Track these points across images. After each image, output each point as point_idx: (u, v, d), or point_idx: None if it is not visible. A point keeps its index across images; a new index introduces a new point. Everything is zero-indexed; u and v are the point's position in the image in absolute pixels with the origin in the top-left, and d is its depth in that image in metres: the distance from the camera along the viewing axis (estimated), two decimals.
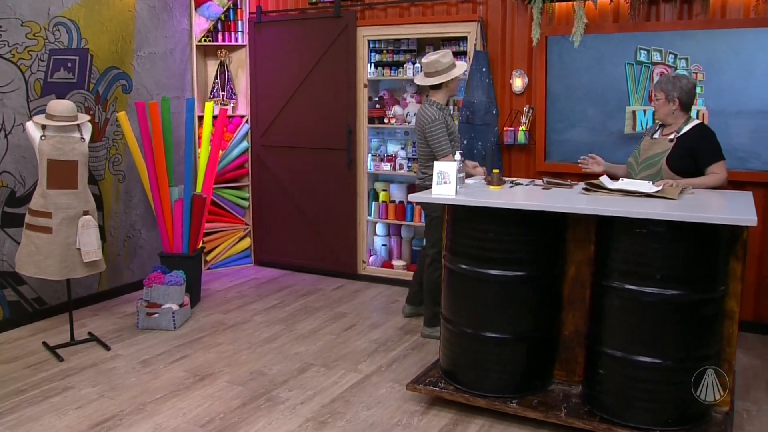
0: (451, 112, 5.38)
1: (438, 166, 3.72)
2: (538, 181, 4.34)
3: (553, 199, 3.67)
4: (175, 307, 5.24)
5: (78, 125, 4.72)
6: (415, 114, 6.27)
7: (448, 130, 4.80)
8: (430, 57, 4.81)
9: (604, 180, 3.89)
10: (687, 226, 3.17)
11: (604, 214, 3.35)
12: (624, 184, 3.80)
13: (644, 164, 4.25)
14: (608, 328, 3.45)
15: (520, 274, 3.60)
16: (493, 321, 3.67)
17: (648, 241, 3.27)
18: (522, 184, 4.24)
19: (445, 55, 4.78)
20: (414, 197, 3.88)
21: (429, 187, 4.60)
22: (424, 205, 5.00)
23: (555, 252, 3.71)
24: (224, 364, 4.57)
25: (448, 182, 3.66)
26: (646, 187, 3.70)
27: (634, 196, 3.64)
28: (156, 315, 5.20)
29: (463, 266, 3.71)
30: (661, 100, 4.19)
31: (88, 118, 4.82)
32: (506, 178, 4.40)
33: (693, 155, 4.10)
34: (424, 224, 5.24)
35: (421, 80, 4.91)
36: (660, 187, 3.68)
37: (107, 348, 4.81)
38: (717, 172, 4.09)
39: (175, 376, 4.36)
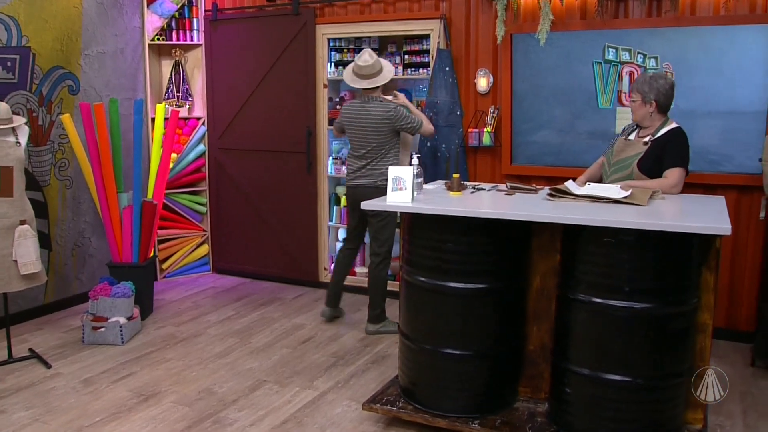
0: None
1: (393, 171, 3.47)
2: (502, 186, 4.11)
3: (516, 206, 3.45)
4: (122, 320, 4.95)
5: (13, 128, 4.42)
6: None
7: None
8: (365, 60, 4.90)
9: (570, 185, 3.67)
10: (657, 235, 2.96)
11: (569, 222, 3.13)
12: (591, 189, 3.59)
13: (616, 167, 4.05)
14: (575, 344, 3.23)
15: (481, 286, 3.37)
16: (453, 337, 3.44)
17: (616, 251, 3.06)
18: (484, 189, 4.01)
19: (372, 55, 4.93)
20: (368, 205, 3.62)
21: (381, 188, 4.79)
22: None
23: (518, 262, 3.48)
24: (172, 381, 4.30)
25: (404, 188, 3.42)
26: (614, 192, 3.50)
27: (602, 202, 3.43)
28: (102, 329, 4.91)
29: (421, 278, 3.47)
30: (637, 102, 3.98)
31: (24, 120, 4.52)
32: (468, 183, 4.17)
33: (661, 157, 3.91)
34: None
35: (377, 82, 4.95)
36: (628, 192, 3.47)
37: (48, 366, 4.51)
38: (667, 176, 3.86)
39: (117, 397, 4.08)
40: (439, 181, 4.40)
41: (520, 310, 3.55)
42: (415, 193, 3.60)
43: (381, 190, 4.55)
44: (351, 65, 5.02)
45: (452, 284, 3.38)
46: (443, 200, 3.60)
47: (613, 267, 3.07)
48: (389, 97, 5.11)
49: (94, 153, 5.21)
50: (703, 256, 3.15)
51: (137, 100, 5.51)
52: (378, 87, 4.97)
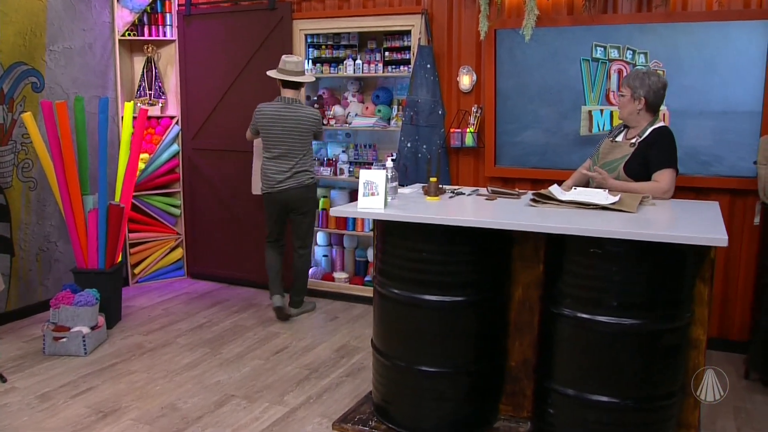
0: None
1: (365, 175, 3.23)
2: (483, 190, 3.88)
3: (496, 213, 3.23)
4: (85, 330, 4.70)
5: None
6: (356, 114, 5.82)
7: None
8: (294, 59, 5.09)
9: (554, 190, 3.44)
10: (648, 246, 2.74)
11: (551, 231, 2.90)
12: (576, 194, 3.36)
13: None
14: (559, 362, 3.01)
15: (459, 299, 3.15)
16: (430, 353, 3.22)
17: (603, 263, 2.83)
18: (464, 193, 3.78)
19: (298, 57, 5.17)
20: (338, 211, 3.37)
21: (309, 186, 5.16)
22: (300, 202, 5.19)
23: (499, 273, 3.25)
24: (134, 396, 4.05)
25: (376, 193, 3.18)
26: (602, 197, 3.27)
27: (588, 208, 3.20)
28: (64, 339, 4.65)
29: (395, 291, 3.24)
30: (626, 97, 3.73)
31: None
32: (447, 187, 3.93)
33: (647, 159, 3.68)
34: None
35: (308, 78, 5.21)
36: (617, 198, 3.24)
37: (3, 380, 4.24)
38: (658, 180, 3.62)
39: (74, 414, 3.82)
40: (417, 185, 4.15)
41: (500, 324, 3.32)
42: (389, 198, 3.37)
43: (310, 188, 5.21)
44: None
45: (428, 297, 3.16)
46: (418, 206, 3.36)
47: (599, 280, 2.85)
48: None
49: (57, 153, 4.94)
50: (696, 267, 2.93)
51: (102, 98, 5.23)
52: (302, 87, 5.27)
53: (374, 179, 3.20)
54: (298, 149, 5.06)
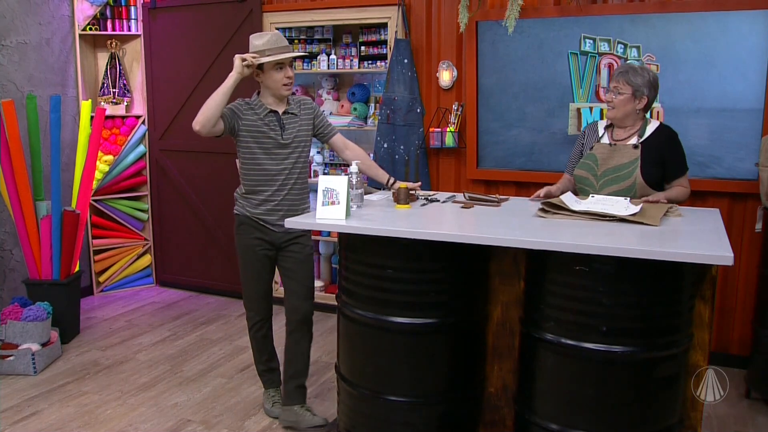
0: None
1: (324, 181, 2.88)
2: (460, 196, 3.53)
3: (471, 224, 2.88)
4: (35, 347, 4.35)
5: None
6: (331, 112, 5.49)
7: None
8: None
9: (567, 199, 3.03)
10: (641, 263, 2.39)
11: (529, 247, 2.54)
12: (592, 203, 2.97)
13: (606, 177, 3.35)
14: (541, 394, 2.66)
15: (430, 321, 2.79)
16: (399, 381, 2.87)
17: (591, 283, 2.49)
18: (438, 200, 3.42)
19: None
20: (292, 222, 2.99)
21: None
22: None
23: (475, 291, 2.90)
24: (81, 422, 3.70)
25: (337, 202, 2.84)
26: (621, 207, 2.88)
27: (604, 220, 2.82)
28: (11, 358, 4.30)
29: (359, 312, 2.88)
30: (626, 95, 3.29)
31: None
32: (422, 193, 3.58)
33: (662, 163, 3.31)
34: None
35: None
36: (638, 208, 2.86)
37: None
38: (685, 185, 3.37)
39: None
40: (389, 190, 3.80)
41: (477, 348, 2.97)
42: (354, 206, 3.03)
43: None
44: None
45: (395, 319, 2.80)
46: (385, 216, 3.00)
47: (586, 301, 2.50)
48: None
49: (5, 156, 4.58)
50: (696, 286, 2.59)
51: (53, 96, 4.87)
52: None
53: (334, 186, 2.85)
54: None
